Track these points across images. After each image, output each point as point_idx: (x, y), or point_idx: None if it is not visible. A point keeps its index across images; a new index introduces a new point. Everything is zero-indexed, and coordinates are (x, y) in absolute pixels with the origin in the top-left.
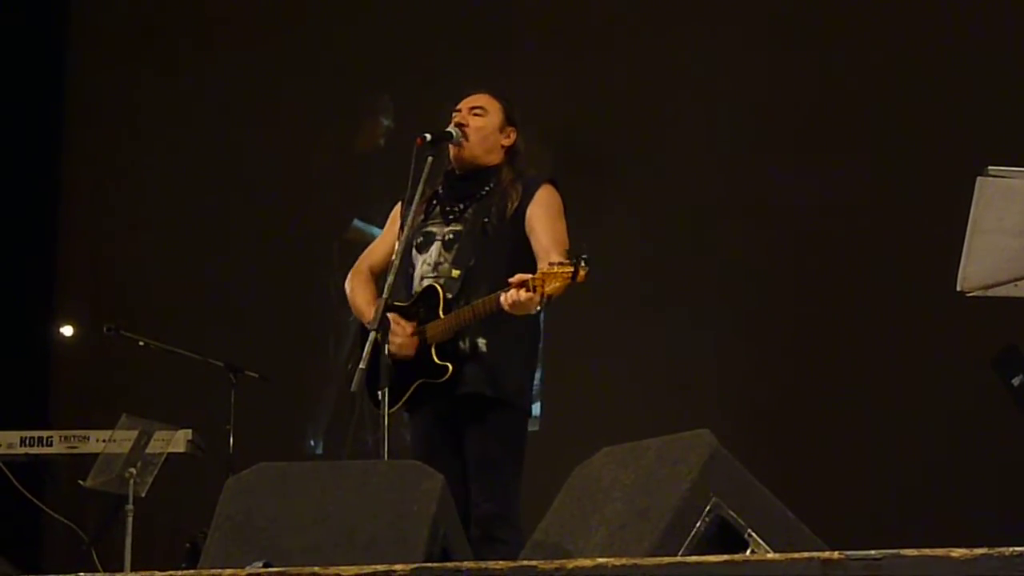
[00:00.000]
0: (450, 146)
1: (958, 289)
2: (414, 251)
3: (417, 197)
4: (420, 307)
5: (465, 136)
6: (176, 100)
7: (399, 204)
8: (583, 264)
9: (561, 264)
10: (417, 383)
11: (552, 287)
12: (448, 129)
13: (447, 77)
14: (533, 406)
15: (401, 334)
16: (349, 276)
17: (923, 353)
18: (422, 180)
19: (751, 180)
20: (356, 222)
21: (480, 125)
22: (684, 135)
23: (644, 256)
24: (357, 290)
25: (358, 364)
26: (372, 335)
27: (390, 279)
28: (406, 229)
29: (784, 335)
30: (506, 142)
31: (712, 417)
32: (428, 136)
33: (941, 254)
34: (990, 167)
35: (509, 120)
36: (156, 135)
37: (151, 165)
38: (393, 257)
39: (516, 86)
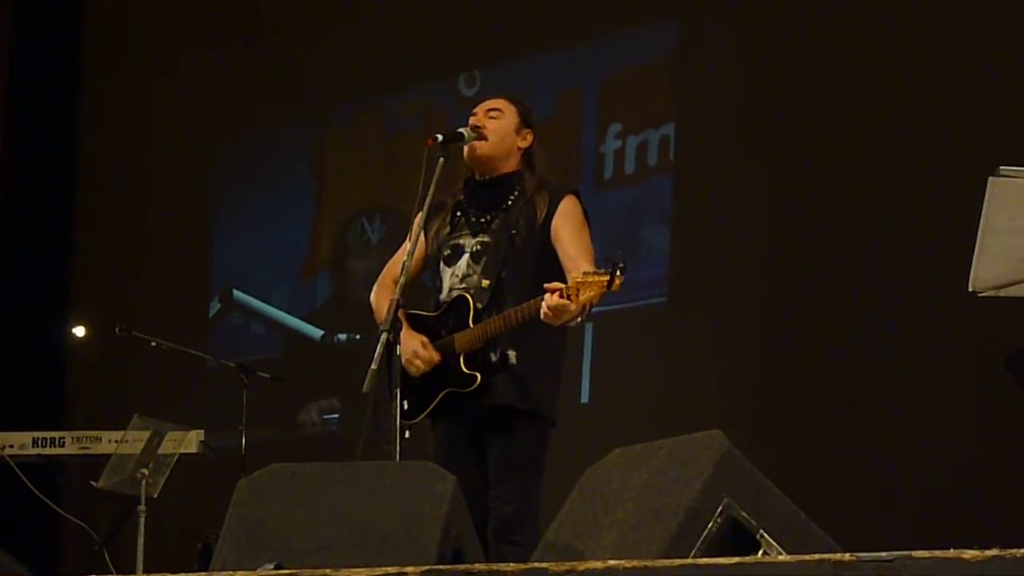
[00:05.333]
0: (465, 148)
1: (970, 289)
2: (441, 264)
3: (428, 198)
4: (449, 317)
5: (483, 136)
6: (190, 102)
7: (420, 215)
8: (619, 272)
9: (596, 273)
10: (444, 393)
11: (587, 296)
12: (460, 130)
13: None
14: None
15: (426, 360)
16: (374, 289)
17: (935, 353)
18: (433, 181)
19: (762, 179)
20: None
21: (497, 127)
22: (691, 137)
23: (656, 254)
24: (382, 301)
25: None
26: (383, 336)
27: (402, 280)
28: (414, 227)
29: (796, 335)
30: (523, 144)
31: (723, 418)
32: (440, 137)
33: (954, 254)
34: (1002, 167)
35: (525, 122)
36: (170, 137)
37: (164, 167)
38: (404, 258)
39: (527, 87)
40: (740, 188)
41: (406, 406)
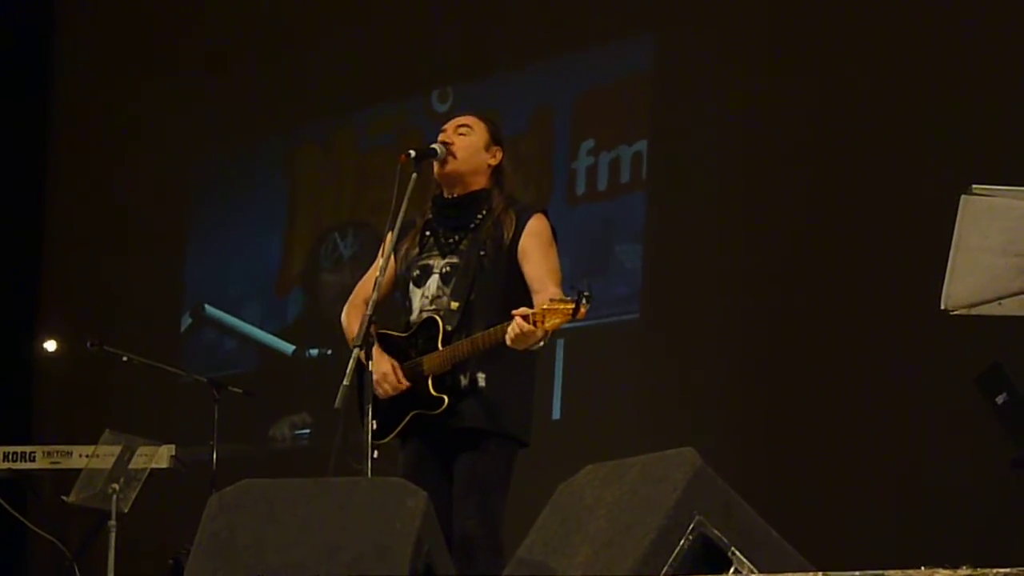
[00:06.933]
0: (435, 164)
1: (942, 307)
2: (411, 285)
3: (400, 215)
4: (419, 338)
5: (452, 153)
6: (161, 114)
7: (389, 235)
8: (584, 301)
9: (563, 300)
10: (411, 414)
11: (552, 323)
12: (433, 146)
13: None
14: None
15: (393, 385)
16: (345, 309)
17: (908, 371)
18: (406, 197)
19: (734, 195)
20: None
21: (466, 143)
22: (664, 153)
23: (628, 270)
24: (353, 322)
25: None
26: (355, 352)
27: (374, 296)
28: (386, 245)
29: (768, 353)
30: (492, 161)
31: (695, 435)
32: (412, 153)
33: (928, 272)
34: (974, 185)
35: (495, 139)
36: (142, 152)
37: (135, 180)
38: (377, 274)
39: (500, 103)
40: (713, 205)
41: (375, 426)
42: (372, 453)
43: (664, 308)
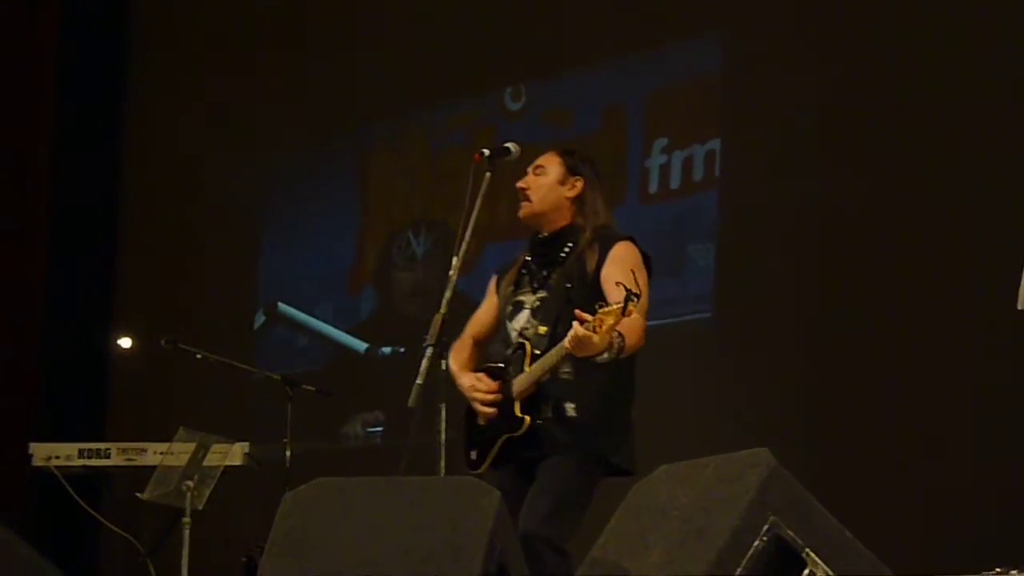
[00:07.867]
0: (519, 208)
1: (1019, 308)
2: (505, 321)
3: (474, 214)
4: (511, 365)
5: (527, 197)
6: (235, 112)
7: (495, 277)
8: (634, 301)
9: (616, 303)
10: (502, 439)
11: (608, 324)
12: (507, 145)
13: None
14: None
15: (483, 390)
16: (452, 349)
17: (986, 373)
18: (479, 196)
19: (808, 194)
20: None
21: (538, 185)
22: (737, 152)
23: (701, 269)
24: (454, 359)
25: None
26: (429, 350)
27: (448, 294)
28: (461, 246)
29: (842, 351)
30: (571, 193)
31: (769, 434)
32: (486, 152)
33: (1004, 273)
34: None
35: (571, 171)
36: (215, 148)
37: (211, 180)
38: (450, 272)
39: (573, 101)
40: (786, 203)
41: (474, 456)
42: (444, 451)
43: (737, 307)
